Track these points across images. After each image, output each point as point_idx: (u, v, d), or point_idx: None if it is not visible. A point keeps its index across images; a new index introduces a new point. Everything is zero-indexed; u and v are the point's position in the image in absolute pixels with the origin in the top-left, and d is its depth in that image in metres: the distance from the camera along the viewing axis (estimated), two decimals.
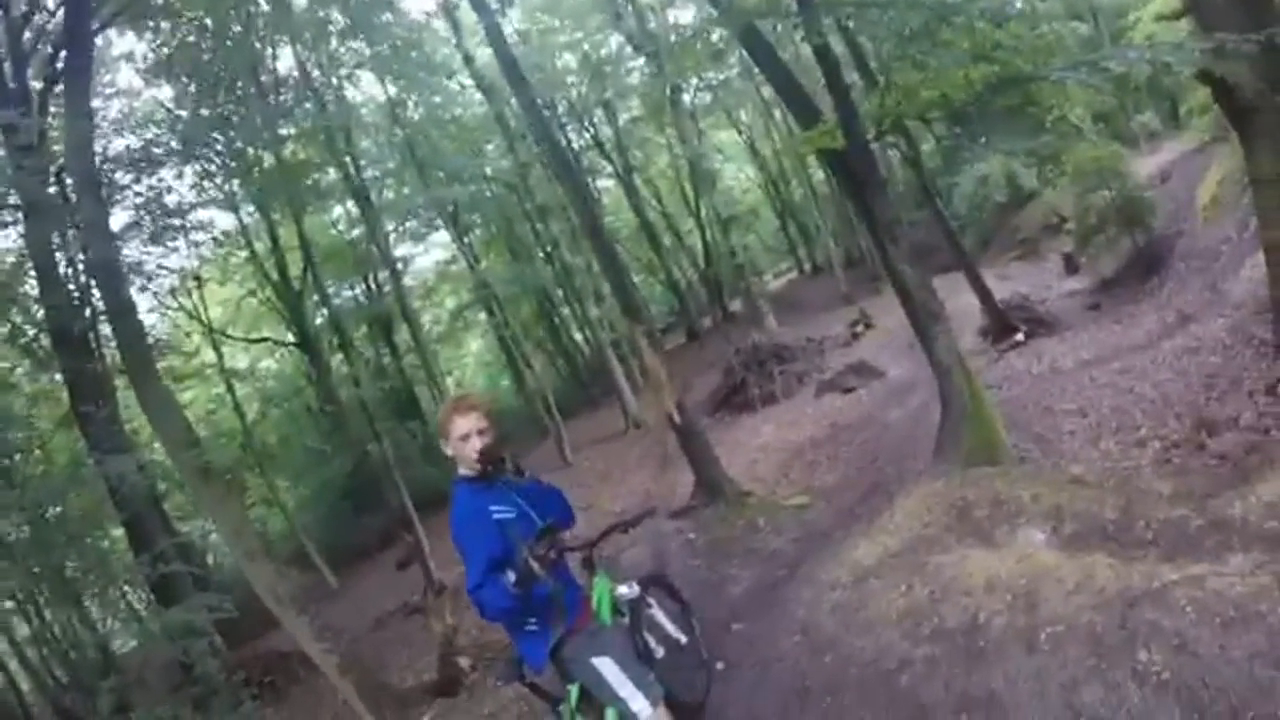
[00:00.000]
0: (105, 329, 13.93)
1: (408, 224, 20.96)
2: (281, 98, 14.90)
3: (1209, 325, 9.46)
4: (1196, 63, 5.96)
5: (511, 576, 2.77)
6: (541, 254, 21.29)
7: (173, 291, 17.56)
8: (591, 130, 24.52)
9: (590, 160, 24.34)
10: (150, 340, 11.43)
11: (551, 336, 26.36)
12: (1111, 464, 7.04)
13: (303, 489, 22.36)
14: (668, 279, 26.35)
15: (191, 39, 12.79)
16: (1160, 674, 2.81)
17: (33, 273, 12.58)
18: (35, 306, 13.16)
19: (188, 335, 18.52)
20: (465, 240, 21.36)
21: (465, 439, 3.01)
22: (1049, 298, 13.38)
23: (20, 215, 10.78)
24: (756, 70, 22.44)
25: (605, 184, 26.26)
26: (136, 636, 14.86)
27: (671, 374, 8.22)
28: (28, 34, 11.16)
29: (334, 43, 15.79)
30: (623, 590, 3.50)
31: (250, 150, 14.70)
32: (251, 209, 17.23)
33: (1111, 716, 2.77)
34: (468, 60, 17.84)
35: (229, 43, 12.41)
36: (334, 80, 16.42)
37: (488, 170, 20.06)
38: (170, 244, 14.09)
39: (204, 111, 13.09)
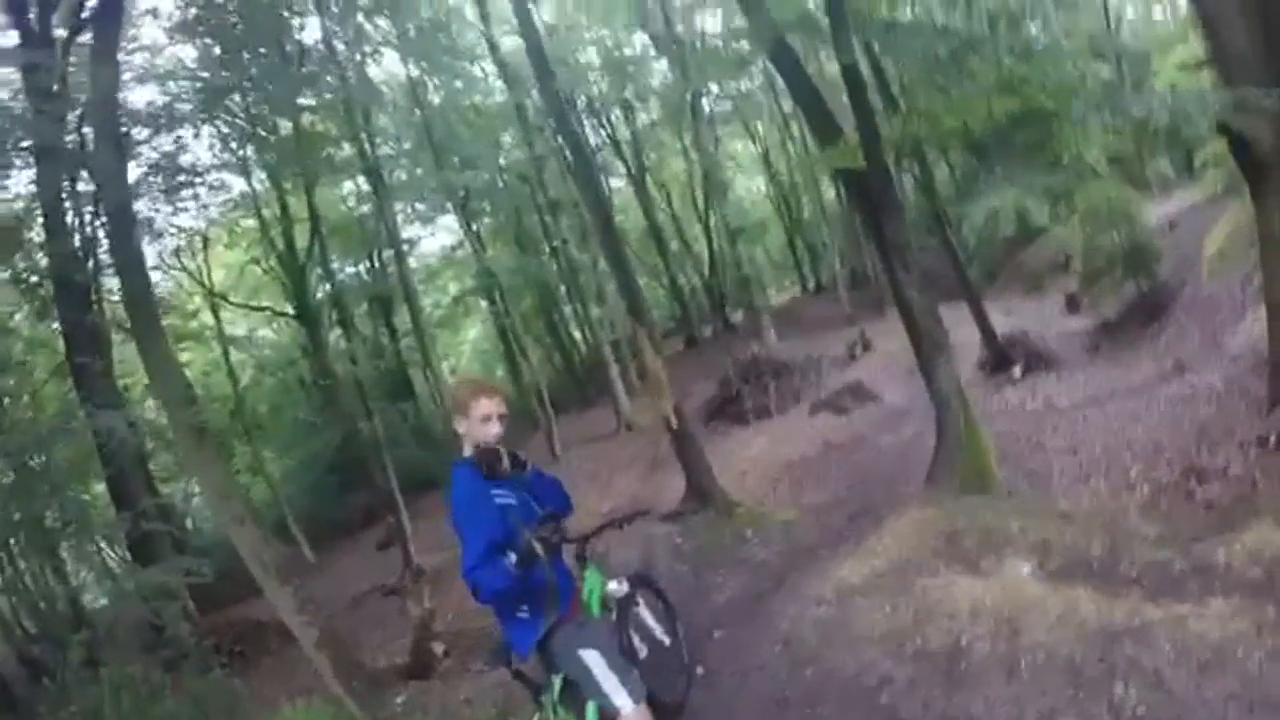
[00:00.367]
0: (107, 283, 13.96)
1: (417, 206, 20.94)
2: (304, 68, 14.90)
3: (1205, 375, 9.55)
4: (1216, 115, 6.03)
5: (513, 557, 2.77)
6: (548, 248, 21.31)
7: (178, 251, 17.57)
8: (608, 129, 24.56)
9: (604, 159, 24.37)
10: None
11: (550, 331, 26.36)
12: (1099, 504, 7.11)
13: (288, 461, 22.29)
14: (671, 285, 26.38)
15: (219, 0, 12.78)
16: (1136, 709, 2.85)
17: (40, 219, 12.56)
18: (40, 254, 13.13)
19: (191, 296, 18.51)
20: (473, 227, 21.37)
21: (486, 420, 3.03)
22: (1049, 335, 13.45)
23: (32, 160, 10.77)
24: (778, 84, 22.73)
25: (616, 184, 26.28)
26: (109, 594, 14.78)
27: (671, 378, 8.26)
28: None
29: (360, 17, 15.79)
30: (613, 586, 3.50)
31: (269, 117, 14.69)
32: (263, 176, 17.22)
33: None
34: (493, 47, 17.88)
35: (257, 7, 12.40)
36: (358, 56, 16.41)
37: (502, 160, 20.09)
38: (180, 203, 14.14)
39: (225, 74, 13.08)
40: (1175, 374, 10.15)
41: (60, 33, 11.29)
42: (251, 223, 18.74)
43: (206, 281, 18.71)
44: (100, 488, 14.44)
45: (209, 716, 8.02)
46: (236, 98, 13.14)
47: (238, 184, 17.23)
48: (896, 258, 6.31)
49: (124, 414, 12.18)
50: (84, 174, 12.31)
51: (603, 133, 24.46)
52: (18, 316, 14.20)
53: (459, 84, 18.80)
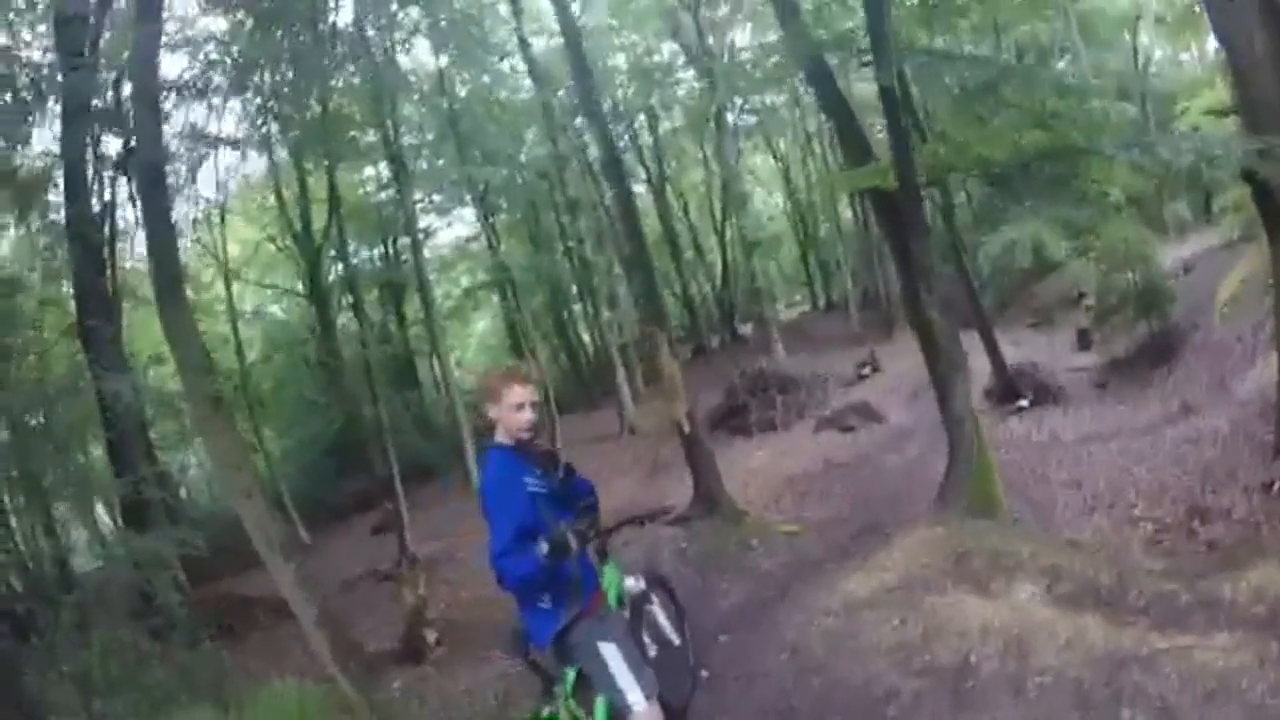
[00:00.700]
0: (121, 247, 14.00)
1: (436, 196, 21.02)
2: (335, 50, 14.98)
3: (1211, 419, 9.61)
4: (1241, 161, 6.09)
5: (544, 547, 2.76)
6: (563, 247, 21.38)
7: (195, 222, 17.61)
8: (630, 134, 24.66)
9: (625, 164, 24.45)
10: None
11: (559, 331, 26.42)
12: (1102, 538, 7.15)
13: (288, 440, 22.33)
14: (683, 293, 26.43)
15: None
16: None
17: (62, 179, 12.60)
18: (58, 214, 13.17)
19: (208, 267, 18.56)
20: (490, 221, 21.44)
21: (520, 408, 3.01)
22: (1058, 369, 13.51)
23: (59, 115, 10.82)
24: (803, 101, 22.84)
25: (635, 190, 26.37)
26: (101, 558, 14.71)
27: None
28: None
29: (394, 4, 15.88)
30: (630, 583, 3.53)
31: (297, 96, 14.75)
32: (286, 154, 17.30)
33: None
34: (523, 44, 17.93)
35: None
36: (389, 42, 16.49)
37: (523, 156, 20.17)
38: (202, 174, 14.18)
39: (256, 49, 13.15)
40: (1182, 415, 10.22)
41: None
42: (270, 200, 18.81)
43: (221, 255, 18.75)
44: (99, 452, 14.41)
45: (196, 688, 8.02)
46: (266, 74, 13.17)
47: (259, 163, 17.35)
48: (921, 279, 6.36)
49: (130, 379, 12.21)
50: (109, 137, 12.39)
51: (625, 138, 24.56)
52: (32, 275, 14.20)
53: (487, 78, 18.84)
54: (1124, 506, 8.22)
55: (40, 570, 14.41)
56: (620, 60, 22.71)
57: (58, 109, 10.68)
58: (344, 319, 19.59)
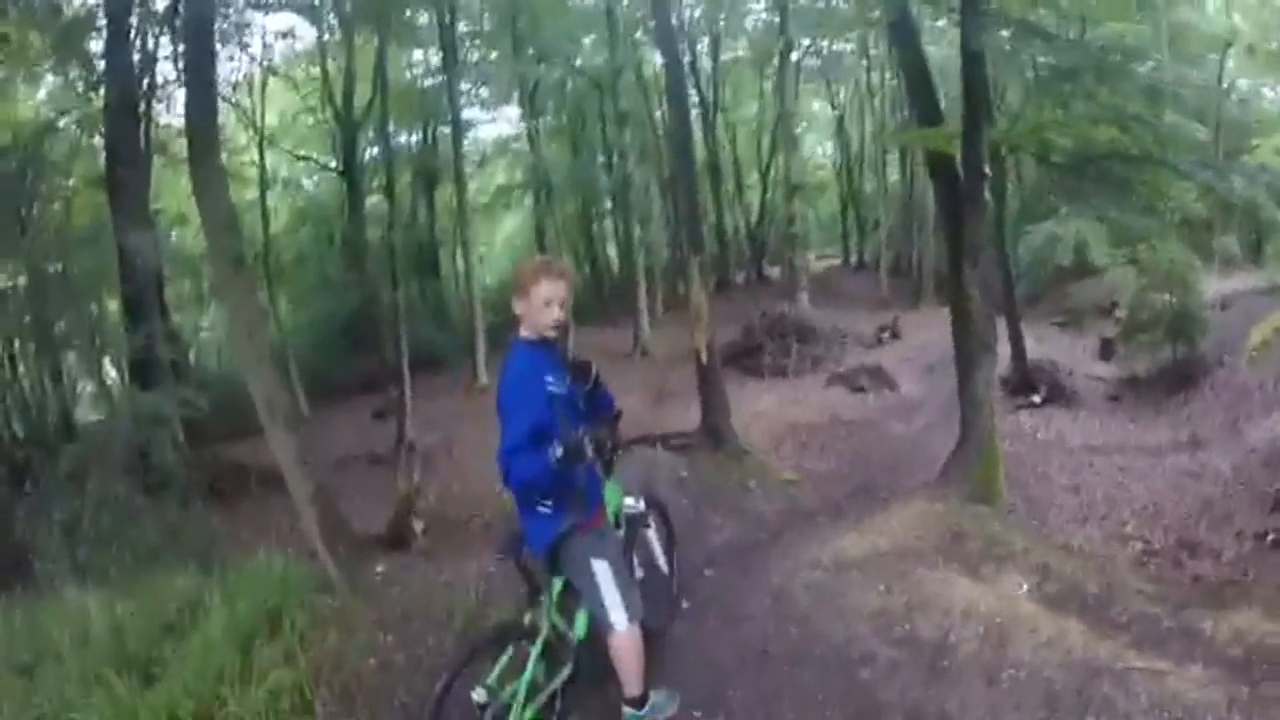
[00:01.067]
0: (157, 107, 13.74)
1: (484, 90, 20.53)
2: None
3: (1218, 458, 9.63)
4: None
5: (559, 450, 2.66)
6: (604, 160, 20.97)
7: (235, 86, 17.29)
8: (690, 57, 23.85)
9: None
10: None
11: (586, 242, 26.16)
12: (1092, 548, 7.21)
13: (302, 314, 22.41)
14: (717, 224, 26.02)
15: None
16: None
17: (106, 28, 12.29)
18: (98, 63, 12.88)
19: (243, 131, 18.30)
20: (534, 121, 20.97)
21: (549, 304, 2.86)
22: (1076, 372, 13.38)
23: None
24: (871, 53, 21.98)
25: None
26: (103, 412, 14.90)
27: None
28: None
29: None
30: (629, 502, 3.48)
31: None
32: (335, 26, 16.85)
33: None
34: None
35: None
36: None
37: (579, 61, 19.57)
38: (248, 38, 13.82)
39: None
40: (1189, 447, 10.24)
41: None
42: (314, 71, 18.38)
43: (258, 122, 18.45)
44: (113, 306, 14.44)
45: (183, 547, 8.16)
46: None
47: (307, 31, 16.91)
48: (968, 254, 6.22)
49: (153, 234, 12.16)
50: None
51: (686, 60, 23.75)
52: (65, 121, 13.97)
53: None
54: (1116, 522, 8.29)
55: (43, 419, 14.67)
56: None
57: None
58: (373, 200, 19.40)
